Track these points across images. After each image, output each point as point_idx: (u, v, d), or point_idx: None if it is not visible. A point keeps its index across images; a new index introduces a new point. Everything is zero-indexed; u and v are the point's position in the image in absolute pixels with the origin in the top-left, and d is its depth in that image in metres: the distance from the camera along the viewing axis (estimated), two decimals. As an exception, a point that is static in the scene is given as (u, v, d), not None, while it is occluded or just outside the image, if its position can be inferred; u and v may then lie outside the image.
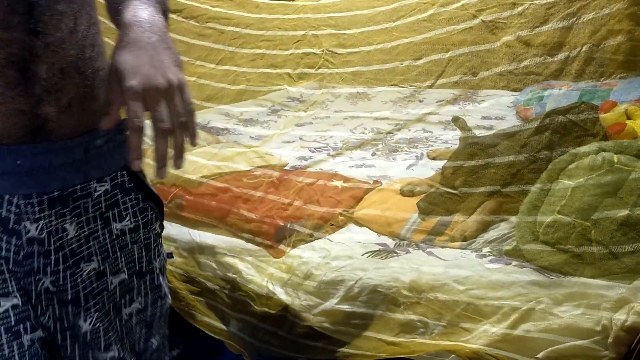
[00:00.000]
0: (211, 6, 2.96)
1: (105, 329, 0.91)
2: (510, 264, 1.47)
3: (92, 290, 0.90)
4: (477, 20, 2.14)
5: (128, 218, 0.94)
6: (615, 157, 1.49)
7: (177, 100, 0.74)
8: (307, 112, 2.75)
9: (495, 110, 2.47)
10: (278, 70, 3.06)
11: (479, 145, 1.76)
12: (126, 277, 0.94)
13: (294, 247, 1.64)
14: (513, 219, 1.59)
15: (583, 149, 1.55)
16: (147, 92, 0.72)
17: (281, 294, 1.56)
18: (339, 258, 1.55)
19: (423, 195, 1.73)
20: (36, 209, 0.82)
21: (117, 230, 0.92)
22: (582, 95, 2.09)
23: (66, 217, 0.85)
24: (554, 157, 1.59)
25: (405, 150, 2.24)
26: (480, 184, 1.67)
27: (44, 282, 0.85)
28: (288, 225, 1.70)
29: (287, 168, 2.14)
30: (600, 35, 1.87)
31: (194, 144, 0.77)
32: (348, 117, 2.68)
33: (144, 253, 0.97)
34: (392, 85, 2.87)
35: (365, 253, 1.57)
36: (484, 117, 2.44)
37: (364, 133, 2.50)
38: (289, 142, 2.43)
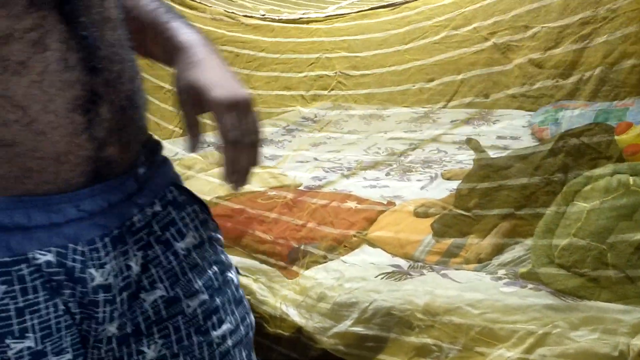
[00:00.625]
0: (227, 31, 3.00)
1: (174, 355, 0.83)
2: (526, 287, 1.47)
3: (159, 319, 0.82)
4: (489, 43, 2.15)
5: (190, 234, 0.86)
6: (630, 180, 1.48)
7: (250, 116, 0.76)
8: (321, 133, 2.77)
9: (510, 131, 2.47)
10: (292, 92, 3.09)
11: (492, 167, 1.76)
12: (207, 297, 0.86)
13: (307, 268, 1.64)
14: (528, 241, 1.59)
15: (598, 171, 1.55)
16: (233, 106, 0.74)
17: (295, 316, 1.56)
18: (353, 280, 1.55)
19: (437, 216, 1.73)
20: (101, 253, 0.76)
21: (182, 250, 0.85)
22: (597, 115, 2.08)
23: (128, 254, 0.79)
24: (568, 179, 1.59)
25: (420, 171, 2.24)
26: (493, 206, 1.66)
27: (107, 331, 0.79)
28: (301, 247, 1.71)
29: (301, 188, 2.15)
30: (614, 57, 1.87)
31: (258, 162, 0.78)
32: (362, 137, 2.69)
33: (216, 268, 0.89)
34: (405, 106, 2.88)
35: (379, 275, 1.57)
36: (498, 137, 2.44)
37: (377, 153, 2.51)
38: (302, 162, 2.45)
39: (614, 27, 1.87)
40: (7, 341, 0.71)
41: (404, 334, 1.42)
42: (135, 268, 0.80)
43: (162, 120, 2.41)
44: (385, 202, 1.95)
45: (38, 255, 0.71)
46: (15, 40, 0.66)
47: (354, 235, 1.76)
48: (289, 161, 2.46)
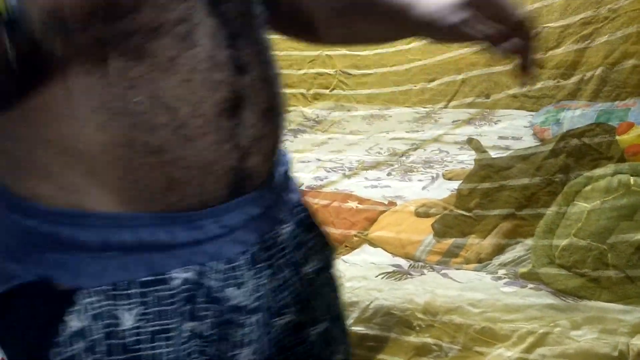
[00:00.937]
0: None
1: None
2: (526, 286, 1.47)
3: (285, 346, 0.77)
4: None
5: (315, 258, 0.80)
6: (631, 180, 1.49)
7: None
8: (325, 134, 2.77)
9: (512, 131, 2.47)
10: (293, 90, 3.10)
11: (493, 168, 1.77)
12: (328, 325, 0.81)
13: (309, 268, 1.65)
14: (529, 241, 1.59)
15: (598, 171, 1.55)
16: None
17: (296, 316, 1.56)
18: (354, 279, 1.56)
19: (438, 216, 1.74)
20: (240, 272, 0.69)
21: (308, 274, 0.79)
22: (599, 115, 2.08)
23: (263, 273, 0.72)
24: (569, 179, 1.59)
25: (421, 171, 2.24)
26: (494, 206, 1.67)
27: (242, 355, 0.71)
28: (303, 247, 1.71)
29: (302, 188, 2.16)
30: (615, 58, 1.87)
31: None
32: (364, 138, 2.70)
33: (336, 294, 0.85)
34: (406, 106, 2.88)
35: (380, 274, 1.57)
36: (500, 137, 2.44)
37: (379, 153, 2.51)
38: (305, 162, 2.45)
39: (615, 27, 1.87)
40: None
41: (404, 334, 1.43)
42: (269, 289, 0.73)
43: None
44: (386, 202, 1.95)
45: (176, 275, 0.65)
46: (165, 33, 0.60)
47: (355, 235, 1.77)
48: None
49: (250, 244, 0.71)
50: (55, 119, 0.59)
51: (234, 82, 0.65)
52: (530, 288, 1.46)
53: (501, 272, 1.54)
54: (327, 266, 0.83)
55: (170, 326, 0.65)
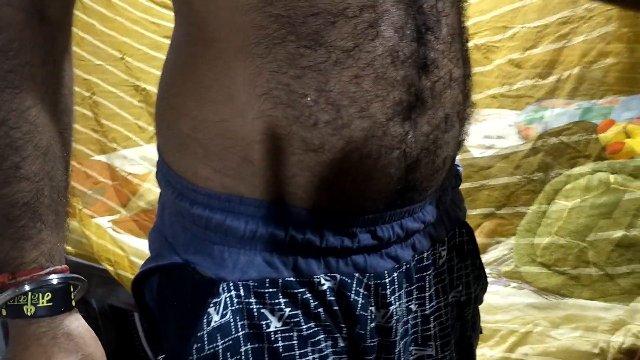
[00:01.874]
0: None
1: None
2: (509, 285, 1.48)
3: None
4: (469, 44, 2.16)
5: (460, 288, 0.72)
6: (611, 178, 1.50)
7: None
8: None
9: (497, 130, 2.49)
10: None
11: (473, 167, 1.78)
12: None
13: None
14: (511, 240, 1.60)
15: (578, 169, 1.56)
16: None
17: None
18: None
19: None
20: (387, 290, 0.62)
21: (460, 308, 0.73)
22: (583, 113, 2.10)
23: (412, 295, 0.65)
24: (548, 178, 1.61)
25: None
26: (475, 205, 1.68)
27: None
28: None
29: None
30: (592, 57, 1.89)
31: None
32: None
33: (472, 333, 0.77)
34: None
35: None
36: (485, 137, 2.45)
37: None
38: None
39: (591, 26, 1.89)
40: None
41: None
42: (415, 313, 0.66)
43: (144, 122, 2.40)
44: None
45: (323, 281, 0.59)
46: (347, 20, 0.53)
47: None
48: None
49: (403, 261, 0.64)
50: (219, 100, 0.56)
51: (414, 83, 0.56)
52: (513, 287, 1.47)
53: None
54: (470, 301, 0.75)
55: (318, 333, 0.59)
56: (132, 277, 1.60)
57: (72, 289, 0.60)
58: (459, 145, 0.65)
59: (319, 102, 0.54)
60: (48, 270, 0.58)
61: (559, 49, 1.96)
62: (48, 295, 0.57)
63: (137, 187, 2.02)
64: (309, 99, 0.54)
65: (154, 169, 2.06)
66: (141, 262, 1.67)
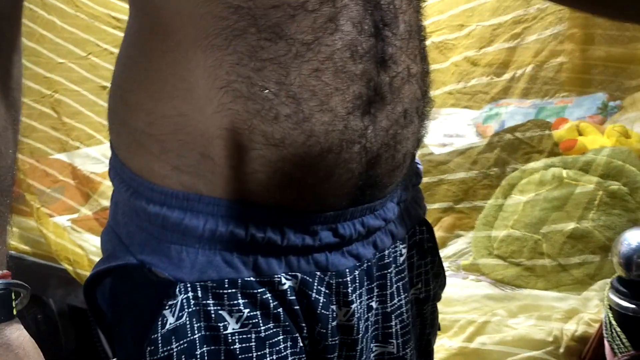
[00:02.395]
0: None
1: None
2: (467, 278, 1.51)
3: None
4: (427, 42, 2.20)
5: (420, 286, 0.73)
6: (564, 172, 1.55)
7: None
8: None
9: (456, 128, 2.54)
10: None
11: (431, 162, 1.81)
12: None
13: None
14: (470, 234, 1.64)
15: (532, 165, 1.61)
16: None
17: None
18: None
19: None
20: (349, 288, 0.61)
21: (419, 305, 0.73)
22: (538, 112, 2.17)
23: (373, 292, 0.65)
24: (505, 173, 1.65)
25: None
26: (434, 200, 1.71)
27: None
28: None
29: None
30: (544, 56, 1.95)
31: None
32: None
33: (431, 330, 0.77)
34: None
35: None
36: (445, 135, 2.50)
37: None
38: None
39: (543, 26, 1.95)
40: None
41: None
42: (376, 311, 0.66)
43: (105, 119, 2.37)
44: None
45: (284, 280, 0.58)
46: (307, 14, 0.53)
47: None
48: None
49: (364, 259, 0.63)
50: (176, 94, 0.55)
51: (373, 77, 0.56)
52: (471, 279, 1.50)
53: (444, 265, 1.58)
54: (429, 299, 0.75)
55: (277, 334, 0.58)
56: (92, 276, 1.58)
57: (13, 297, 0.56)
58: (418, 141, 0.66)
59: (279, 96, 0.53)
60: None
61: (513, 47, 2.02)
62: None
63: (98, 185, 1.99)
64: (269, 92, 0.53)
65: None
66: (101, 261, 1.64)
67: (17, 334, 0.56)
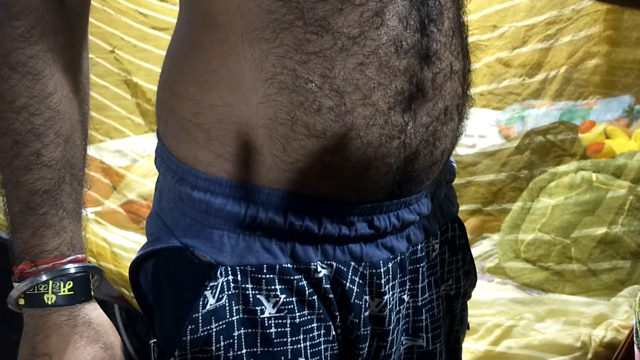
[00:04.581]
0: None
1: None
2: (493, 281, 1.49)
3: None
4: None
5: (450, 282, 0.73)
6: (594, 176, 1.53)
7: None
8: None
9: (478, 129, 2.51)
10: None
11: (460, 164, 1.79)
12: (449, 357, 0.76)
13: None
14: (495, 236, 1.62)
15: (562, 168, 1.59)
16: None
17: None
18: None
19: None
20: (384, 279, 0.62)
21: (449, 301, 0.74)
22: (562, 114, 2.13)
23: (405, 285, 0.66)
24: (534, 176, 1.63)
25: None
26: (462, 202, 1.69)
27: None
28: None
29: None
30: (578, 57, 1.92)
31: None
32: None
33: (456, 327, 0.77)
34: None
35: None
36: (466, 136, 2.48)
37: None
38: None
39: (578, 27, 1.92)
40: None
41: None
42: (407, 304, 0.67)
43: (131, 113, 2.39)
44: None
45: (320, 268, 0.59)
46: (354, 7, 0.54)
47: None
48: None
49: (398, 252, 0.64)
50: (223, 85, 0.56)
51: (416, 73, 0.57)
52: (497, 282, 1.48)
53: (468, 266, 1.56)
54: (459, 296, 0.75)
55: (312, 321, 0.60)
56: (114, 269, 1.59)
57: (90, 278, 0.59)
58: (456, 138, 0.66)
59: (323, 88, 0.54)
60: (69, 258, 0.57)
61: (546, 48, 1.98)
62: (69, 284, 0.56)
63: (122, 178, 2.01)
64: (313, 84, 0.54)
65: (140, 161, 2.06)
66: (124, 254, 1.66)
67: (97, 312, 0.59)
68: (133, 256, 0.63)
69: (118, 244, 1.70)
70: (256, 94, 0.55)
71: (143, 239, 0.66)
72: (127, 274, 0.65)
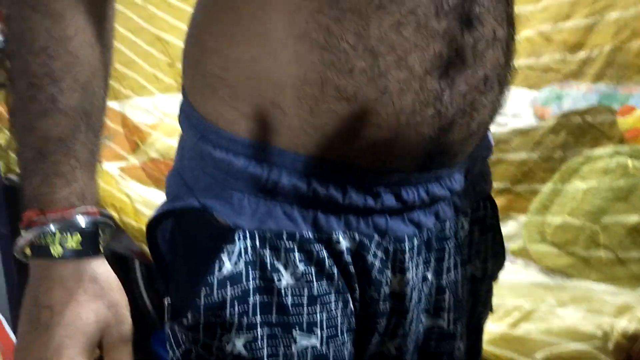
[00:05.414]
0: None
1: None
2: (515, 263, 1.46)
3: (426, 350, 0.68)
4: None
5: (477, 263, 0.70)
6: (630, 162, 1.47)
7: None
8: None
9: (512, 108, 2.45)
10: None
11: (491, 141, 1.75)
12: (473, 343, 0.74)
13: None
14: (522, 217, 1.58)
15: (598, 151, 1.53)
16: None
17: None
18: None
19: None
20: (407, 255, 0.60)
21: (474, 282, 0.70)
22: (601, 98, 2.06)
23: (430, 263, 0.64)
24: (567, 157, 1.57)
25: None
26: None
27: (385, 348, 0.64)
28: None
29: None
30: (624, 36, 1.83)
31: None
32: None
33: (479, 309, 0.74)
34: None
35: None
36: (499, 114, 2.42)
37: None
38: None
39: (627, 4, 1.83)
40: (295, 333, 0.57)
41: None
42: (430, 283, 0.65)
43: (160, 71, 2.37)
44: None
45: (341, 239, 0.58)
46: None
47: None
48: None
49: (425, 228, 0.61)
50: (253, 39, 0.54)
51: (456, 37, 0.53)
52: (520, 264, 1.45)
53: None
54: (491, 276, 0.73)
55: (330, 293, 0.58)
56: (135, 224, 1.59)
57: (100, 232, 0.57)
58: (496, 110, 0.62)
59: (356, 48, 0.51)
60: (79, 209, 0.54)
61: (591, 24, 1.90)
62: (77, 236, 0.54)
63: (147, 135, 2.00)
64: (346, 43, 0.51)
65: (165, 119, 2.04)
66: (146, 210, 1.66)
67: (104, 269, 0.56)
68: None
69: (140, 199, 1.70)
70: (286, 50, 0.52)
71: (164, 197, 0.65)
72: None
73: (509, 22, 0.60)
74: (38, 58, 0.52)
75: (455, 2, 0.53)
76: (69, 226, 0.53)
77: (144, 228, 1.69)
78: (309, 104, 0.53)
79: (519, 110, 2.47)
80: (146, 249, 1.56)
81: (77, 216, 0.54)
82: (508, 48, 0.60)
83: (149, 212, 1.60)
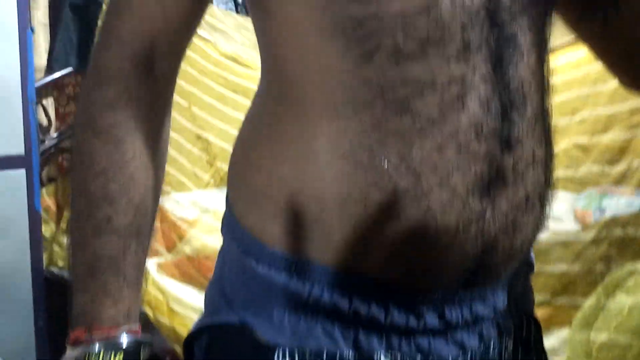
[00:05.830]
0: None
1: None
2: (559, 381, 1.39)
3: None
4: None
5: None
6: (677, 277, 1.42)
7: None
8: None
9: (553, 212, 2.42)
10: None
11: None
12: None
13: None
14: (563, 331, 1.52)
15: (642, 265, 1.48)
16: None
17: None
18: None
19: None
20: None
21: None
22: (644, 204, 2.02)
23: None
24: (610, 270, 1.53)
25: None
26: (530, 291, 1.61)
27: None
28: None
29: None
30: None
31: None
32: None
33: None
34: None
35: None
36: (539, 218, 2.38)
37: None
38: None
39: (664, 118, 1.84)
40: None
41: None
42: None
43: (200, 169, 2.44)
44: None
45: (383, 358, 0.57)
46: (435, 91, 0.53)
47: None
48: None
49: (470, 349, 0.60)
50: (298, 158, 0.56)
51: (496, 159, 0.55)
52: (564, 382, 1.38)
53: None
54: None
55: None
56: (169, 324, 1.58)
57: (141, 351, 0.58)
58: (538, 229, 0.63)
59: (399, 169, 0.53)
60: (123, 329, 0.57)
61: (629, 138, 1.90)
62: (120, 356, 0.56)
63: (184, 232, 2.03)
64: (390, 164, 0.53)
65: (204, 216, 2.08)
66: (180, 308, 1.65)
67: None
68: (189, 312, 0.63)
69: (175, 297, 1.70)
70: (330, 170, 0.54)
71: (199, 297, 0.65)
72: (180, 330, 0.64)
73: (547, 142, 0.62)
74: (97, 179, 0.56)
75: (495, 126, 0.55)
76: (113, 345, 0.55)
77: (177, 328, 1.68)
78: (351, 222, 0.54)
79: (559, 214, 2.43)
80: (177, 350, 1.54)
81: (121, 335, 0.56)
82: (547, 167, 0.62)
83: (182, 311, 1.59)
